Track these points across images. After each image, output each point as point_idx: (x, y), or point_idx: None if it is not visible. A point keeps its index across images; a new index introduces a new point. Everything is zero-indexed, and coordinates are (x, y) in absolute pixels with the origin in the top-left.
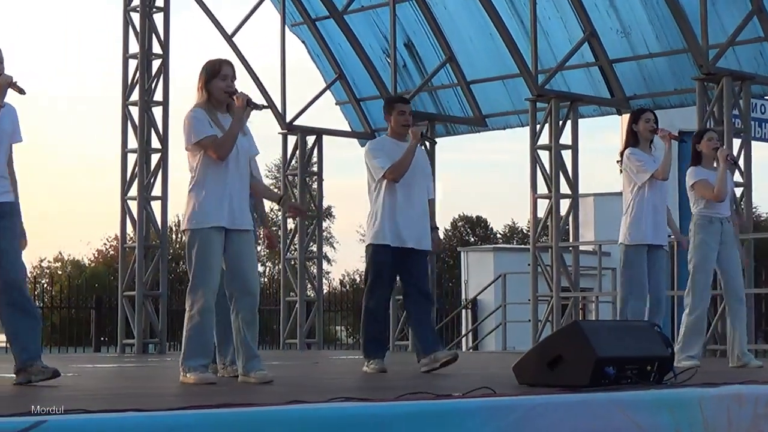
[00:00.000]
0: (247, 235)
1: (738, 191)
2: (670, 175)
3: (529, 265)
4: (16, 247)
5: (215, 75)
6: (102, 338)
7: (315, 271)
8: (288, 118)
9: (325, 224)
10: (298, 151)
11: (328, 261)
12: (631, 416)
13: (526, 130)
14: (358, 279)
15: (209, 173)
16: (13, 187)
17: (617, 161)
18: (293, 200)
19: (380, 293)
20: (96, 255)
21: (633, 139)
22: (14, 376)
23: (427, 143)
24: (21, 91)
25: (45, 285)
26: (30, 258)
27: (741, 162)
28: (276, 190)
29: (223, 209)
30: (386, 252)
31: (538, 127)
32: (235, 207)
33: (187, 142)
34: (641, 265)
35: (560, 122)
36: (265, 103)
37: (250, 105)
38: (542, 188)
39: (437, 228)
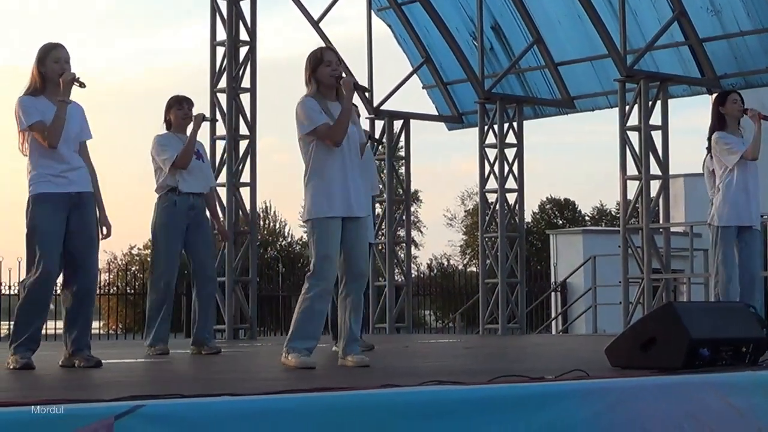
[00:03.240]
0: (362, 221)
1: None
2: (761, 156)
3: (619, 246)
4: (95, 241)
5: (319, 63)
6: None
7: (403, 255)
8: (375, 103)
9: (412, 208)
10: (385, 136)
11: (416, 245)
12: (727, 398)
13: (614, 112)
14: (446, 263)
15: (323, 162)
16: (93, 180)
17: (707, 147)
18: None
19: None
20: None
21: (720, 123)
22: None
23: (370, 144)
24: (82, 85)
25: (135, 272)
26: (120, 245)
27: None
28: None
29: (340, 198)
30: None
31: (627, 108)
32: (351, 194)
33: (301, 131)
34: (728, 245)
35: (650, 103)
36: (367, 86)
37: (357, 88)
38: (632, 169)
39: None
